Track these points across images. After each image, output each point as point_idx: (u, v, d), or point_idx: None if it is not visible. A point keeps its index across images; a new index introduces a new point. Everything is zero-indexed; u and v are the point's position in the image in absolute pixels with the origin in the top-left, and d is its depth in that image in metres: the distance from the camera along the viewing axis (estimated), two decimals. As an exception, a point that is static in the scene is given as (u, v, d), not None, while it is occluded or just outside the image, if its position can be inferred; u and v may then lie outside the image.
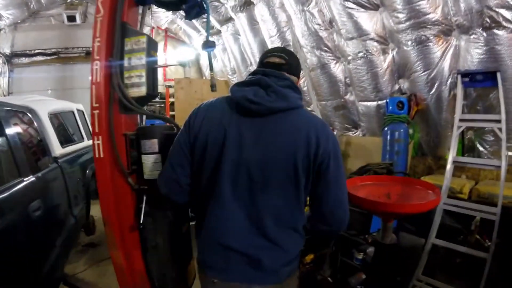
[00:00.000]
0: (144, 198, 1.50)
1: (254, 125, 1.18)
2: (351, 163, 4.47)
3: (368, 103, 4.11)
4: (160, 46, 8.23)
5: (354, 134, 4.61)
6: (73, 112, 4.62)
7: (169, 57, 8.36)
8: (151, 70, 1.56)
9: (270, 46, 5.13)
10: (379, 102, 3.98)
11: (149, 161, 1.49)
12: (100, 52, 1.57)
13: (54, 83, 7.55)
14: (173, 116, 6.66)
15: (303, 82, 4.89)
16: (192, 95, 6.60)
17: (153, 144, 1.46)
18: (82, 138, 4.57)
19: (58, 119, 3.98)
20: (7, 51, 7.43)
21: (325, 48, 4.28)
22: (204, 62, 8.14)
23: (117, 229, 1.58)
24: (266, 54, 1.31)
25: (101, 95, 1.52)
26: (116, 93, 1.52)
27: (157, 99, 7.76)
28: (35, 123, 3.17)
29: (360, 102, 4.22)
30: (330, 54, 4.28)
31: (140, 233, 1.55)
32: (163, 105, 7.80)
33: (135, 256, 1.64)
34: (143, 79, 1.52)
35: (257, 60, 5.23)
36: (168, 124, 1.69)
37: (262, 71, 1.22)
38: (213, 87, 1.69)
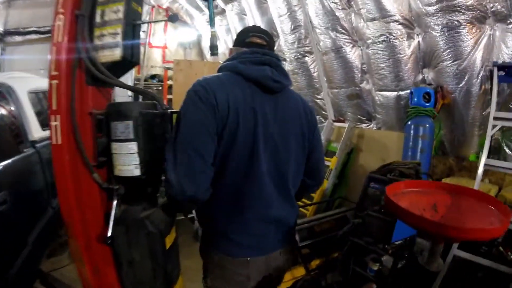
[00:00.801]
0: (115, 202, 1.11)
1: (270, 102, 1.25)
2: (363, 158, 4.08)
3: (387, 93, 3.70)
4: (161, 26, 7.85)
5: (368, 127, 4.20)
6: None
7: (169, 38, 7.95)
8: (131, 27, 1.15)
9: (279, 27, 4.70)
10: (400, 93, 3.57)
11: (121, 151, 1.08)
12: (65, 3, 1.16)
13: (48, 63, 7.02)
14: (170, 99, 6.24)
15: (314, 67, 4.46)
16: (192, 78, 5.99)
17: (127, 127, 1.05)
18: None
19: (42, 98, 3.57)
20: (0, 28, 7.12)
21: (341, 29, 3.84)
22: (206, 44, 7.66)
23: (82, 238, 1.20)
24: (247, 33, 1.35)
25: (61, 59, 1.12)
26: (83, 58, 1.12)
27: (154, 81, 7.37)
28: (11, 103, 2.82)
29: (377, 92, 3.80)
30: (347, 37, 3.84)
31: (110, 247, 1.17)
32: (160, 87, 7.38)
33: (107, 273, 1.27)
34: (118, 38, 1.12)
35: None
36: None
37: (261, 51, 1.26)
38: (213, 49, 1.30)
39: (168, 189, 1.09)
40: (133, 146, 1.08)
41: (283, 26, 4.60)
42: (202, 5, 6.41)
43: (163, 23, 7.89)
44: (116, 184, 1.13)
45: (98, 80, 1.16)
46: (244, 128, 1.17)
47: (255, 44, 1.32)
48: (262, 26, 4.93)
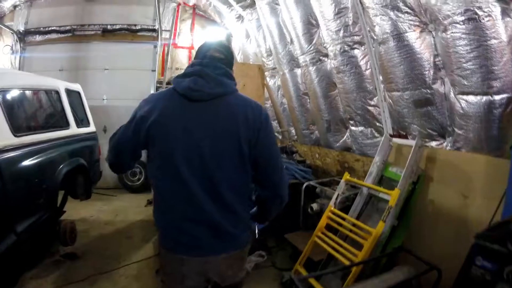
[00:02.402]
0: None
1: (198, 111, 1.47)
2: (435, 191, 3.07)
3: (473, 98, 2.70)
4: (187, 25, 7.75)
5: (440, 146, 3.18)
6: (56, 92, 3.99)
7: (196, 38, 7.67)
8: None
9: (318, 12, 3.93)
10: (494, 98, 2.56)
11: None
12: None
13: (67, 63, 7.47)
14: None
15: (366, 63, 3.54)
16: None
17: None
18: (66, 124, 4.03)
19: (19, 98, 3.28)
20: (21, 28, 7.56)
21: (405, 8, 2.93)
22: (236, 45, 7.07)
23: None
24: (208, 48, 1.60)
25: None
26: None
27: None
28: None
29: (459, 96, 2.80)
30: (413, 18, 2.92)
31: None
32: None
33: None
34: None
35: (298, 34, 3.95)
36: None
37: (199, 63, 1.53)
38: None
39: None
40: None
41: (324, 11, 3.80)
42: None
43: (189, 21, 7.50)
44: None
45: None
46: (163, 136, 1.46)
47: (214, 57, 1.56)
48: (297, 15, 4.29)
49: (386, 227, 2.74)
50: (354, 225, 3.07)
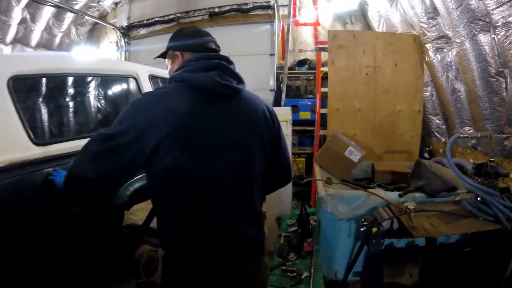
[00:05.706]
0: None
1: (225, 110, 1.53)
2: None
3: None
4: None
5: None
6: (133, 79, 3.43)
7: (322, 11, 7.17)
8: None
9: None
10: None
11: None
12: None
13: None
14: (325, 94, 5.24)
15: None
16: (357, 59, 4.94)
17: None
18: None
19: (52, 92, 2.72)
20: (124, 23, 8.44)
21: None
22: (375, 15, 6.44)
23: None
24: (203, 38, 1.68)
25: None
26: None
27: (303, 68, 6.65)
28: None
29: None
30: None
31: None
32: (312, 77, 6.50)
33: None
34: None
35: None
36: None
37: (213, 55, 1.60)
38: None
39: None
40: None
41: None
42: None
43: (311, -9, 7.21)
44: None
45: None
46: (187, 143, 1.42)
47: (211, 49, 1.67)
48: None
49: None
50: None
